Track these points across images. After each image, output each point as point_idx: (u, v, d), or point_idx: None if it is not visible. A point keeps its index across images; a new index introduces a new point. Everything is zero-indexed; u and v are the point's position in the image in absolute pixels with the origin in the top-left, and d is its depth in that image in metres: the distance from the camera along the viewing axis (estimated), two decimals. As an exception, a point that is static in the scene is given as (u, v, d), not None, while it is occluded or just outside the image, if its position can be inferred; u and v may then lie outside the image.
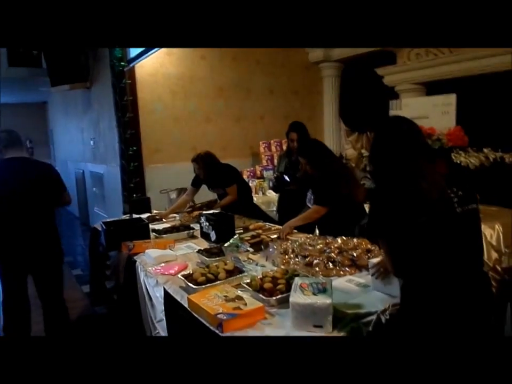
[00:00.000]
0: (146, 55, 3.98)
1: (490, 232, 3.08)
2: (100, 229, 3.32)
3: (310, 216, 2.94)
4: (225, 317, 1.57)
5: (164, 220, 3.71)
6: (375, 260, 1.89)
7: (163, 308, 2.14)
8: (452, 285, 1.44)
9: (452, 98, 3.90)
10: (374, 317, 1.60)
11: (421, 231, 1.43)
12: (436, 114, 3.95)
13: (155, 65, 5.15)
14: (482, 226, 3.02)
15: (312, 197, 3.01)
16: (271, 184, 4.71)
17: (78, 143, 7.66)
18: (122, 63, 4.76)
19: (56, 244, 2.88)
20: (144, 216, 3.71)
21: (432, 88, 5.25)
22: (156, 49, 3.67)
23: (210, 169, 3.74)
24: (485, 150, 3.53)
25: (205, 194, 4.15)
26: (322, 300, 1.52)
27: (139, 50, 4.17)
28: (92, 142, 6.67)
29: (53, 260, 2.84)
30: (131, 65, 4.64)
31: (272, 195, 4.83)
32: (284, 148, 5.51)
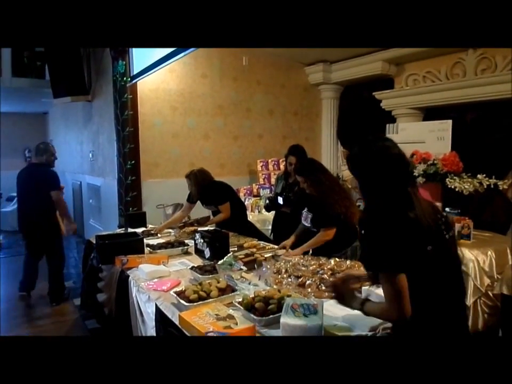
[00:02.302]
0: (150, 71, 4.02)
1: (483, 258, 3.10)
2: (94, 242, 3.32)
3: (321, 240, 2.93)
4: (215, 336, 1.57)
5: (158, 234, 3.72)
6: (368, 287, 1.87)
7: (154, 324, 2.13)
8: (447, 317, 1.42)
9: (447, 124, 3.96)
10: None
11: (428, 260, 1.36)
12: (431, 140, 4.01)
13: (156, 81, 5.22)
14: (475, 252, 3.07)
15: (309, 216, 3.03)
16: (265, 203, 4.73)
17: (77, 155, 7.68)
18: (125, 78, 4.81)
19: (53, 223, 4.34)
20: (139, 230, 3.72)
21: (429, 113, 5.33)
22: (160, 66, 3.71)
23: (201, 186, 3.77)
24: (479, 176, 3.57)
25: (201, 210, 4.16)
26: (312, 322, 1.53)
27: (143, 66, 4.23)
28: (90, 154, 6.70)
29: (52, 235, 4.33)
30: (134, 81, 4.69)
31: (268, 214, 4.85)
32: (282, 167, 5.55)
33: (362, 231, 1.43)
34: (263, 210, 4.97)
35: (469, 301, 2.99)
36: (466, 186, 3.49)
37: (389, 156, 1.44)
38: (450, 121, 3.96)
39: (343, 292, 1.61)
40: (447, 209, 3.58)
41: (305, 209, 3.12)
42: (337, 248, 2.92)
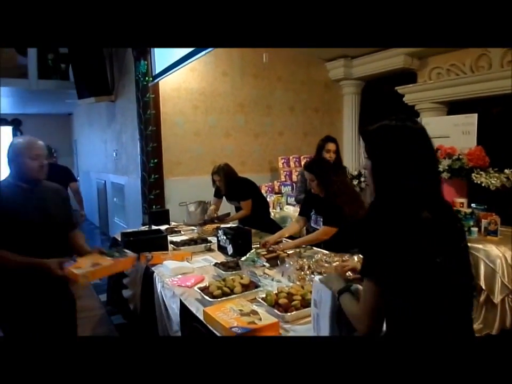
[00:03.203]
0: (172, 71, 4.07)
1: (511, 255, 3.02)
2: (119, 239, 3.38)
3: (318, 238, 2.89)
4: (239, 331, 1.58)
5: (182, 231, 3.77)
6: None
7: (179, 319, 2.16)
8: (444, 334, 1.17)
9: (473, 118, 3.87)
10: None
11: (434, 273, 1.12)
12: (456, 134, 3.93)
13: (178, 81, 5.27)
14: (503, 248, 3.00)
15: (320, 219, 2.96)
16: (296, 193, 4.40)
17: (101, 154, 7.83)
18: (147, 78, 4.89)
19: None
20: (163, 228, 3.77)
21: (453, 107, 5.23)
22: (181, 65, 3.75)
23: (230, 180, 3.80)
24: (506, 171, 3.49)
25: (223, 206, 4.20)
26: None
27: (164, 65, 4.28)
28: (114, 153, 6.82)
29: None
30: (156, 80, 4.75)
31: (290, 210, 4.84)
32: (303, 163, 5.53)
33: (364, 229, 1.21)
34: (285, 207, 4.97)
35: (496, 298, 2.92)
36: (493, 182, 3.41)
37: (422, 140, 1.22)
38: (475, 115, 3.87)
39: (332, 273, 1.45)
40: (473, 205, 3.51)
41: (313, 211, 3.06)
42: (349, 246, 2.87)
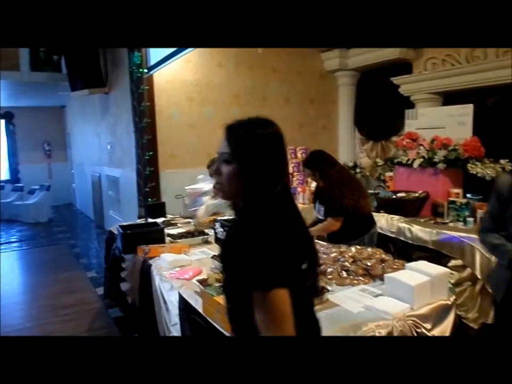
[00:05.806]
0: (167, 62, 4.03)
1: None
2: (115, 232, 3.37)
3: (326, 228, 2.99)
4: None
5: (178, 224, 3.76)
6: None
7: (177, 312, 2.17)
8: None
9: (468, 108, 3.88)
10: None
11: (301, 279, 1.12)
12: (452, 125, 3.93)
13: (172, 72, 5.22)
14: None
15: (321, 209, 3.04)
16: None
17: (95, 147, 7.78)
18: (141, 70, 4.84)
19: None
20: (159, 220, 3.76)
21: (449, 98, 5.23)
22: (176, 57, 3.72)
23: None
24: (502, 161, 3.51)
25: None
26: None
27: (159, 57, 4.24)
28: (108, 146, 6.78)
29: None
30: (151, 72, 4.71)
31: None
32: (299, 155, 5.52)
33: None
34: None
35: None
36: (488, 172, 3.43)
37: (281, 146, 1.23)
38: (471, 106, 3.87)
39: None
40: (468, 195, 3.53)
41: (317, 202, 3.13)
42: (354, 235, 2.93)
